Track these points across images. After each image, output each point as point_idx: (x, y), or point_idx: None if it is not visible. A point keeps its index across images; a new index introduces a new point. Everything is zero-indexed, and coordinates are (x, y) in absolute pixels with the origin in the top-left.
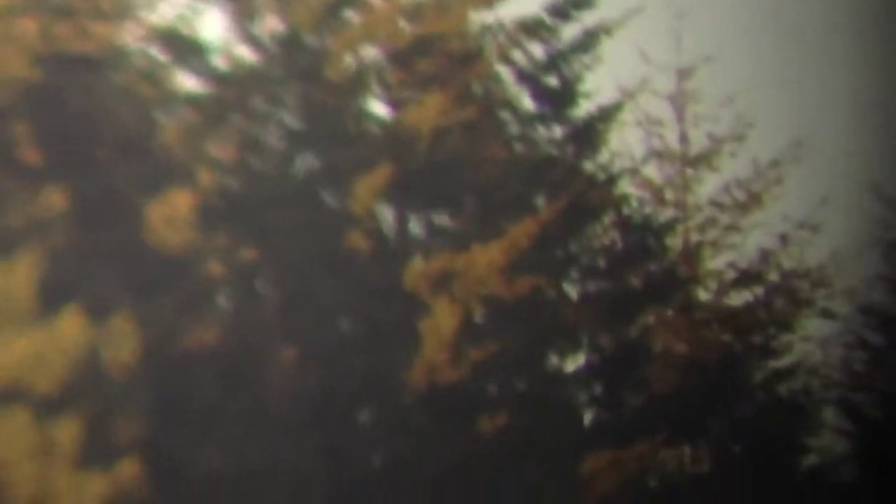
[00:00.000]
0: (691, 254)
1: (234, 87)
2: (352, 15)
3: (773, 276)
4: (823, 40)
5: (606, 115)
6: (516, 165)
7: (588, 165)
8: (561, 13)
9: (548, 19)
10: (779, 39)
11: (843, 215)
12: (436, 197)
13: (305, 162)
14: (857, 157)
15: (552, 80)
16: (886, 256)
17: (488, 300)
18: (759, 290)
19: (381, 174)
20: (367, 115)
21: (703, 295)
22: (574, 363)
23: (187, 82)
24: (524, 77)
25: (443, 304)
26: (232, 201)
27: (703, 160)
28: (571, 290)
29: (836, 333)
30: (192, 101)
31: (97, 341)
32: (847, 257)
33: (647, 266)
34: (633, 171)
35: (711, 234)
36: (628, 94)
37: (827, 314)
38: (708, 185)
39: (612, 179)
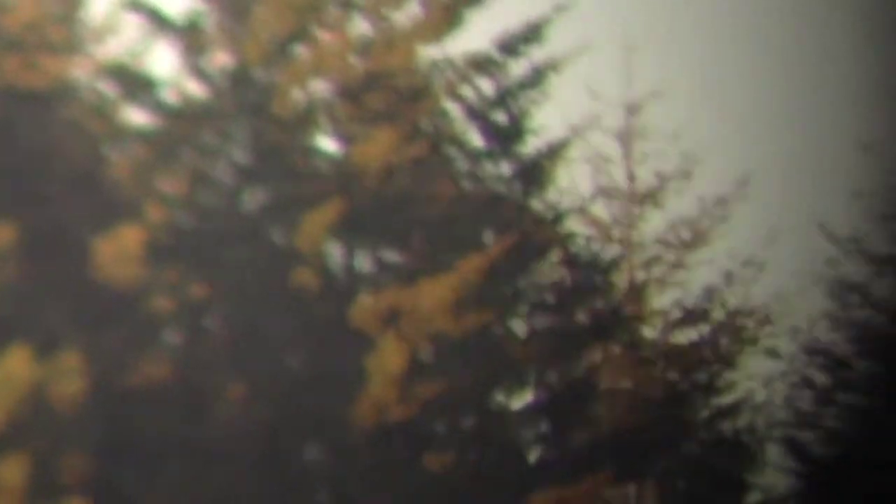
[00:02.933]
0: (637, 291)
1: (183, 122)
2: (301, 50)
3: (719, 315)
4: (772, 75)
5: (554, 152)
6: (464, 202)
7: (536, 202)
8: (509, 49)
9: (496, 55)
10: (727, 75)
11: (788, 253)
12: (384, 233)
13: (254, 197)
14: (803, 195)
15: (500, 117)
16: (832, 295)
17: (436, 337)
18: (704, 328)
19: (329, 210)
20: (315, 151)
21: (648, 332)
22: (520, 400)
23: (137, 117)
24: (472, 113)
25: (390, 340)
26: (181, 237)
27: (650, 198)
28: (519, 327)
29: (780, 372)
30: (141, 135)
31: (44, 377)
32: (792, 296)
33: (594, 303)
34: (581, 209)
35: (657, 271)
36: (576, 131)
37: (772, 353)
38: (654, 223)
39: (559, 217)
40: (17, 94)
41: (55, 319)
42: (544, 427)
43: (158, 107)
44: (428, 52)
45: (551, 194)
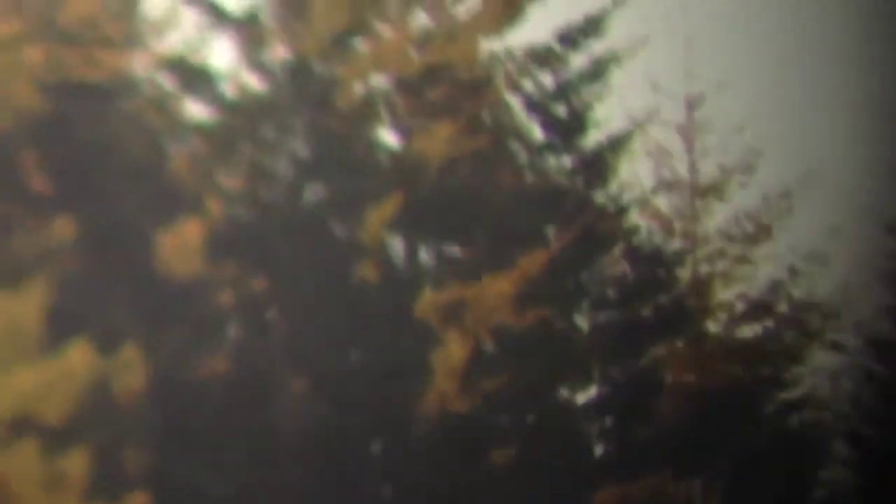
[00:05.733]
0: (701, 285)
1: (242, 116)
2: (361, 43)
3: (783, 308)
4: (835, 70)
5: (616, 144)
6: (526, 195)
7: (598, 196)
8: (570, 41)
9: (557, 48)
10: (789, 68)
11: (852, 247)
12: (446, 227)
13: (315, 191)
14: (866, 189)
15: (561, 110)
16: (895, 288)
17: (498, 331)
18: (768, 322)
19: (390, 204)
20: (376, 144)
21: (713, 327)
22: (584, 395)
23: (196, 111)
24: (533, 106)
25: (453, 334)
26: (241, 231)
27: (713, 191)
28: (582, 322)
29: (845, 365)
30: (200, 129)
31: (106, 371)
32: (856, 289)
33: (658, 297)
34: (643, 202)
35: (721, 265)
36: (638, 124)
37: (836, 346)
38: (717, 216)
39: (621, 210)
40: (75, 89)
41: (117, 313)
42: (608, 422)
43: (218, 100)
44: (489, 45)
45: (613, 187)
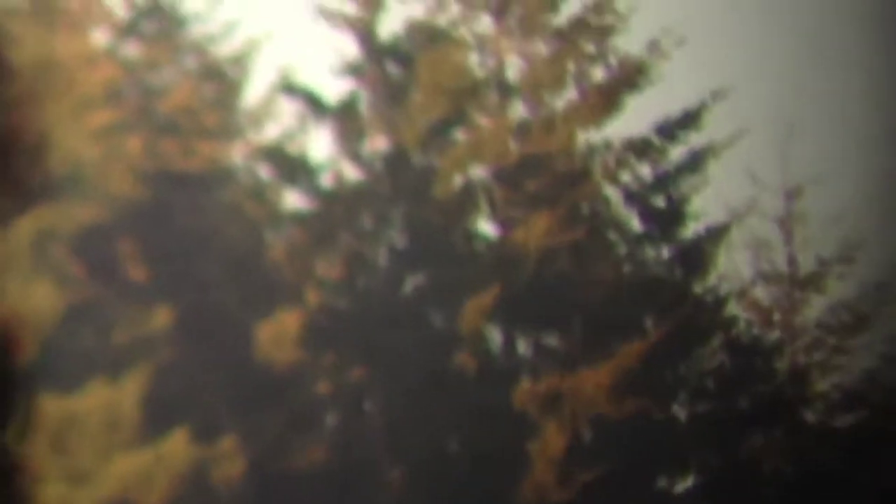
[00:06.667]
0: (799, 375)
1: (340, 206)
2: (459, 133)
3: (878, 397)
4: None
5: (714, 236)
6: (624, 286)
7: (696, 287)
8: (668, 134)
9: (655, 140)
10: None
11: None
12: (543, 317)
13: (413, 281)
14: None
15: (659, 201)
16: None
17: (596, 421)
18: (864, 412)
19: (488, 294)
20: (474, 235)
21: (810, 416)
22: (682, 485)
23: (294, 201)
24: (631, 197)
25: (551, 424)
26: (339, 320)
27: (812, 283)
28: (680, 412)
29: None
30: (299, 219)
31: (204, 459)
32: None
33: (755, 388)
34: (741, 293)
35: (818, 355)
36: (736, 216)
37: None
38: (815, 307)
39: (720, 301)
40: (174, 178)
41: (215, 402)
42: None
43: (316, 190)
44: (587, 136)
45: (712, 279)
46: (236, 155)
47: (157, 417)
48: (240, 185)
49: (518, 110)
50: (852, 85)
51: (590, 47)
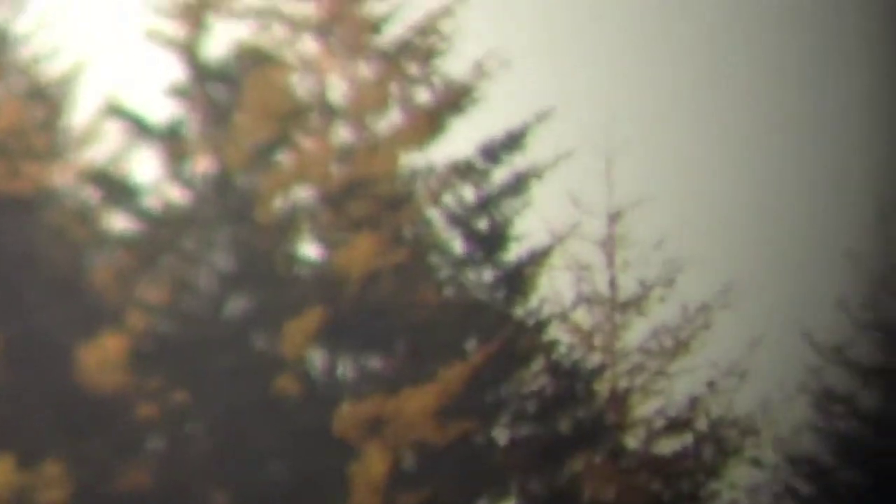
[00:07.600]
0: (620, 400)
1: (165, 229)
2: (283, 156)
3: (702, 424)
4: (755, 183)
5: (536, 259)
6: (447, 309)
7: (518, 310)
8: (491, 156)
9: (479, 162)
10: (709, 182)
11: (772, 362)
12: (366, 340)
13: (237, 304)
14: (787, 303)
15: (483, 224)
16: (816, 404)
17: (419, 445)
18: (687, 438)
19: (312, 317)
20: (298, 257)
21: (631, 441)
22: None
23: (119, 223)
24: (455, 220)
25: (373, 448)
26: (164, 344)
27: (633, 306)
28: (501, 435)
29: (764, 482)
30: (123, 242)
31: (27, 486)
32: (776, 405)
33: (576, 412)
34: (563, 317)
35: (640, 379)
36: (558, 239)
37: (756, 463)
38: (636, 331)
39: (541, 324)
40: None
41: (38, 427)
42: None
43: (141, 213)
44: (410, 159)
45: (534, 302)
46: (61, 177)
47: None
48: (64, 207)
49: (342, 133)
50: (679, 107)
51: (414, 69)
